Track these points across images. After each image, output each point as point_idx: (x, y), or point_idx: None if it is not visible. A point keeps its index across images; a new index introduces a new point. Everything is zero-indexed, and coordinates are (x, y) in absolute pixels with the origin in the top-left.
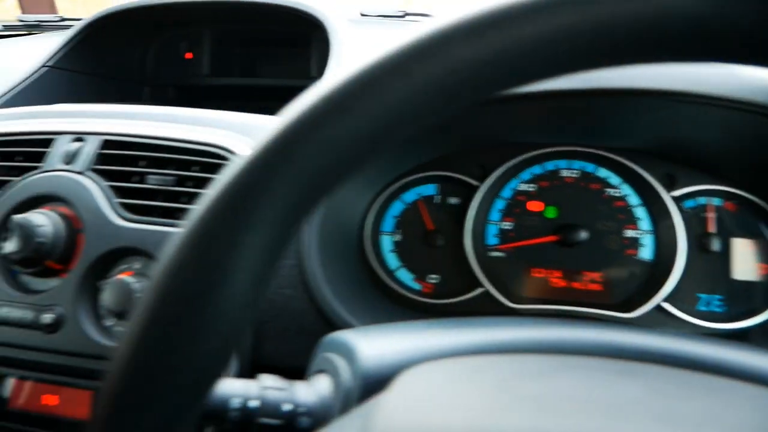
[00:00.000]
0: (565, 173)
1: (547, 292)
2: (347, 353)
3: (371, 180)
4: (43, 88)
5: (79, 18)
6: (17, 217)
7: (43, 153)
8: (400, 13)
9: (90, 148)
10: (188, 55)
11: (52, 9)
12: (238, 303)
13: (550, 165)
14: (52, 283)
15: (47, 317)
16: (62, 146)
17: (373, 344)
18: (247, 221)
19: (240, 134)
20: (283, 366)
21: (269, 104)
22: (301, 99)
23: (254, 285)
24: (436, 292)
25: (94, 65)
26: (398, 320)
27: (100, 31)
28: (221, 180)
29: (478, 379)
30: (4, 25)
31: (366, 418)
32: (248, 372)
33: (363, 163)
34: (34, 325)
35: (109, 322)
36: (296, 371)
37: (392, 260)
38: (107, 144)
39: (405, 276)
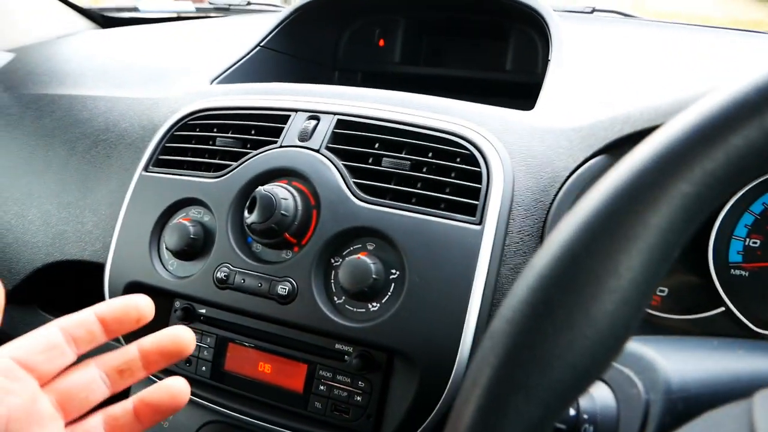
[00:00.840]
0: None
1: None
2: (641, 365)
3: None
4: (255, 66)
5: (265, 2)
6: (263, 188)
7: (280, 129)
8: (588, 9)
9: (324, 126)
10: (381, 42)
11: None
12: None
13: None
14: (285, 255)
15: (283, 288)
16: (299, 123)
17: (673, 359)
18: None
19: (477, 124)
20: None
21: (455, 95)
22: (702, 104)
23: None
24: (663, 306)
25: (296, 47)
26: None
27: (306, 15)
28: (619, 181)
29: None
30: (196, 8)
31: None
32: None
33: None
34: (267, 296)
35: (339, 299)
36: None
37: None
38: (341, 123)
39: None
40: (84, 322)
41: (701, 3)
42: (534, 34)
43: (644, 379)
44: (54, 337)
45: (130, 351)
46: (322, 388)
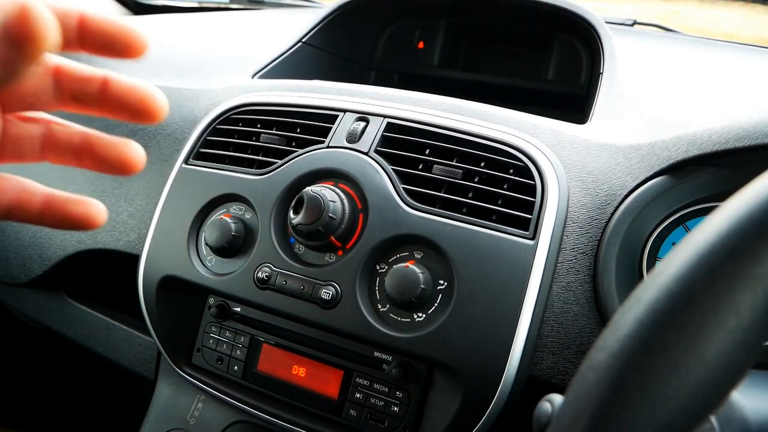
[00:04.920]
0: None
1: None
2: None
3: (664, 202)
4: (295, 62)
5: None
6: (311, 188)
7: (327, 129)
8: (629, 22)
9: (373, 129)
10: (420, 45)
11: None
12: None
13: None
14: (328, 258)
15: (326, 293)
16: (347, 124)
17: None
18: None
19: (530, 135)
20: (560, 384)
21: (492, 102)
22: None
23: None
24: None
25: (336, 45)
26: None
27: (348, 13)
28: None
29: None
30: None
31: None
32: (522, 384)
33: None
34: (310, 299)
35: (383, 307)
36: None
37: None
38: (391, 127)
39: None
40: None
41: (728, 20)
42: (579, 45)
43: (720, 416)
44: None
45: (94, 82)
46: (358, 395)
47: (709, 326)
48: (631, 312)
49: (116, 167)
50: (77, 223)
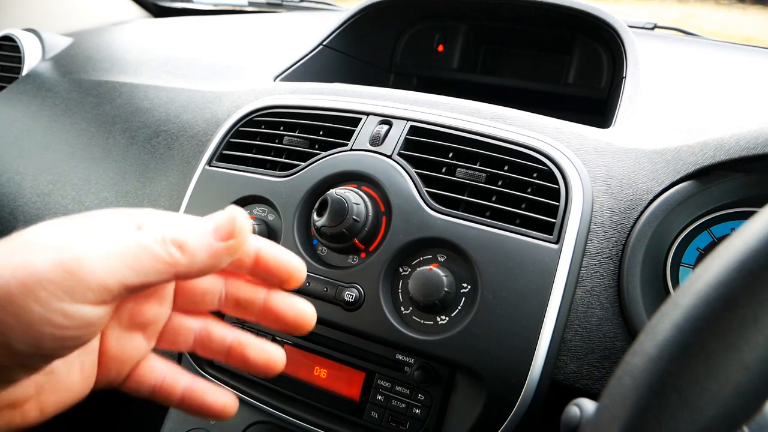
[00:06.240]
0: None
1: None
2: None
3: (689, 207)
4: (316, 65)
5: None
6: (335, 191)
7: (350, 132)
8: (650, 26)
9: (397, 132)
10: (440, 48)
11: None
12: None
13: None
14: (351, 260)
15: (349, 295)
16: (370, 127)
17: None
18: None
19: (553, 138)
20: (583, 388)
21: (511, 106)
22: None
23: None
24: None
25: (356, 48)
26: None
27: (369, 16)
28: None
29: None
30: (249, 2)
31: None
32: (546, 388)
33: None
34: (333, 301)
35: (406, 310)
36: (592, 396)
37: None
38: (414, 130)
39: None
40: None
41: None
42: (600, 49)
43: (753, 425)
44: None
45: (258, 298)
46: (379, 398)
47: (749, 332)
48: (669, 317)
49: (261, 370)
50: (213, 414)
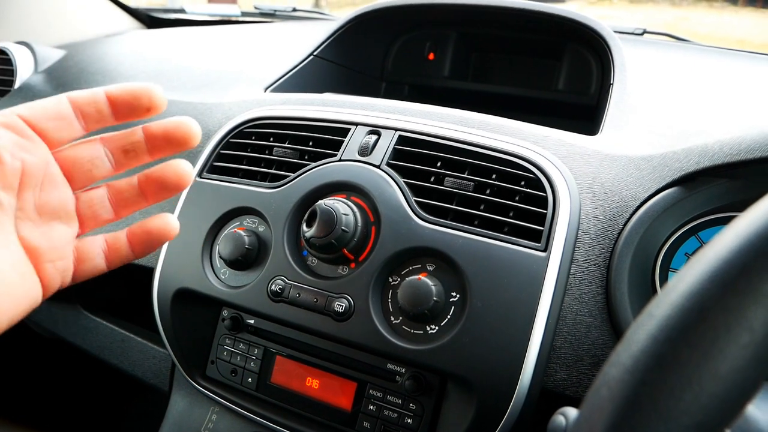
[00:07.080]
0: None
1: None
2: None
3: (676, 213)
4: (307, 75)
5: (310, 9)
6: (323, 202)
7: (339, 142)
8: (639, 31)
9: (385, 142)
10: (431, 56)
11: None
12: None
13: None
14: (341, 271)
15: (339, 305)
16: (359, 137)
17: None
18: None
19: (541, 147)
20: (573, 396)
21: (501, 113)
22: None
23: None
24: None
25: (347, 57)
26: None
27: (360, 26)
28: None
29: None
30: (242, 12)
31: None
32: (536, 396)
33: None
34: (323, 311)
35: (396, 319)
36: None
37: None
38: (403, 140)
39: None
40: (94, 99)
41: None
42: (589, 55)
43: (735, 429)
44: (64, 107)
45: (137, 133)
46: (371, 407)
47: (722, 342)
48: (644, 328)
49: (176, 183)
50: (160, 237)
